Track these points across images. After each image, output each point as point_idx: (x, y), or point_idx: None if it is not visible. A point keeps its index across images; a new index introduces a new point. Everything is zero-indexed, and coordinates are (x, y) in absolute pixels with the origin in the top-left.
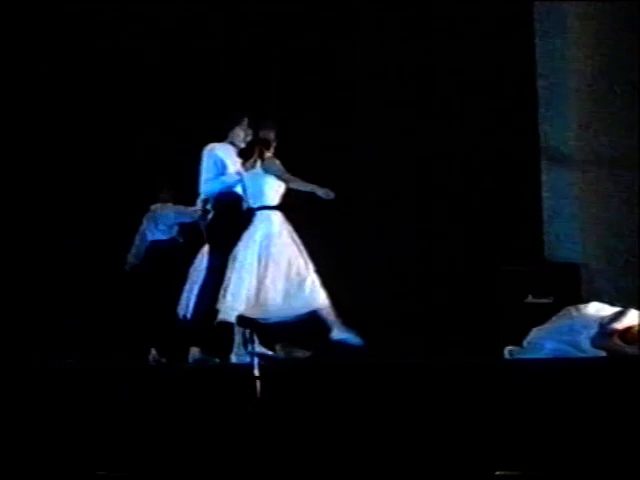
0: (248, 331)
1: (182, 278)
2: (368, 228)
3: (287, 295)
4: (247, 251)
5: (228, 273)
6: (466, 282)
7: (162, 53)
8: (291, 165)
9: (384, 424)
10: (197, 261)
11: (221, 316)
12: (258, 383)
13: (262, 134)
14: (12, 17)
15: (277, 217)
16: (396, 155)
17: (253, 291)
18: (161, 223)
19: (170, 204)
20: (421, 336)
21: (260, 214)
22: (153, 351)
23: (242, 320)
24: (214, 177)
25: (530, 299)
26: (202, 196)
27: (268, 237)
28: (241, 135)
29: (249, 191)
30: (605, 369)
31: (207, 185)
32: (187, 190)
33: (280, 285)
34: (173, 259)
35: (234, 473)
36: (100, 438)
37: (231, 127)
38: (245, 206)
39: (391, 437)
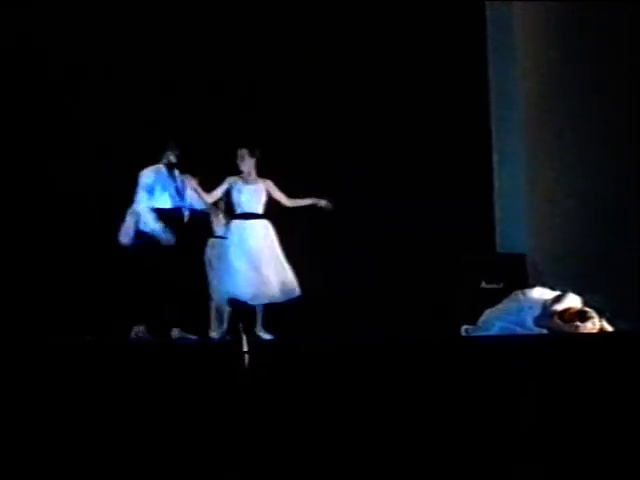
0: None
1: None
2: (332, 221)
3: (279, 283)
4: (243, 245)
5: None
6: (429, 271)
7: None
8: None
9: (362, 400)
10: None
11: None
12: (246, 358)
13: (256, 159)
14: None
15: (264, 222)
16: (355, 150)
17: (252, 276)
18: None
19: None
20: (388, 317)
21: (250, 220)
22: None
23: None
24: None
25: (484, 285)
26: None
27: (258, 235)
28: (171, 156)
29: (244, 199)
30: (546, 344)
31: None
32: None
33: (275, 275)
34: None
35: (225, 447)
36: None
37: (164, 150)
38: (239, 211)
39: (367, 410)
